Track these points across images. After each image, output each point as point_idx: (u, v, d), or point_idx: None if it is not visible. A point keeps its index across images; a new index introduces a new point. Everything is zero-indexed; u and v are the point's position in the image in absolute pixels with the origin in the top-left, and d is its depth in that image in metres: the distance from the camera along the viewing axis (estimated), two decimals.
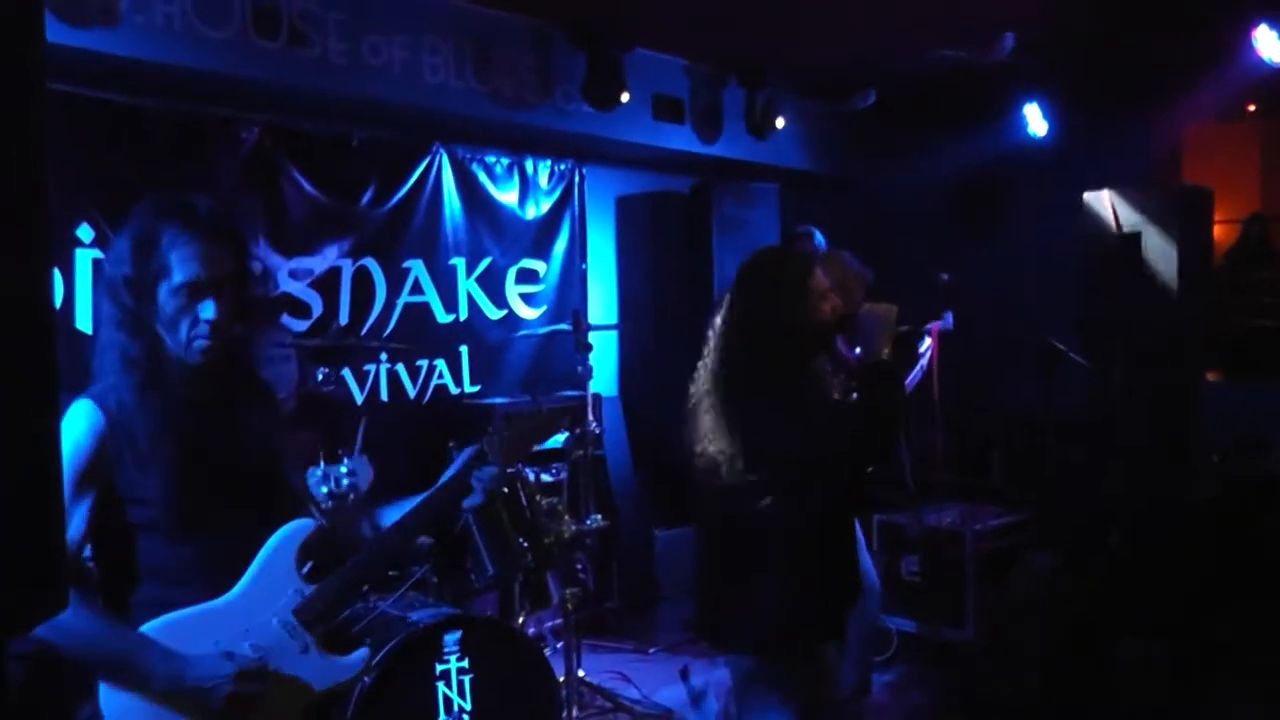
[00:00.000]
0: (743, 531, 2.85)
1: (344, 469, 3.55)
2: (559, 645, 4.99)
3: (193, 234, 2.08)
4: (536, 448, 2.63)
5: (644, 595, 6.10)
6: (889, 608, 5.27)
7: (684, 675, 4.98)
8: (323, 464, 3.54)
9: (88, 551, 2.11)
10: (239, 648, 2.11)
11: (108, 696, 2.03)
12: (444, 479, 2.38)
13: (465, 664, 3.65)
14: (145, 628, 2.06)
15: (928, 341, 4.67)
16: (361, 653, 2.30)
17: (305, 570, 2.23)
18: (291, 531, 2.22)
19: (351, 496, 3.22)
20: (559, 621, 4.94)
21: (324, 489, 3.49)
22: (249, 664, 2.08)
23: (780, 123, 6.57)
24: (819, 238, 4.91)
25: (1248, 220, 7.57)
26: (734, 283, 2.92)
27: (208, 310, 2.08)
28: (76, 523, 2.03)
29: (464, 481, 2.37)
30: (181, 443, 2.11)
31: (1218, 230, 6.37)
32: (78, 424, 2.06)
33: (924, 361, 4.61)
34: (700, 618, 2.99)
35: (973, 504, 5.71)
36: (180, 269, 2.07)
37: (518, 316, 6.07)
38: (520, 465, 4.62)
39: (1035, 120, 6.48)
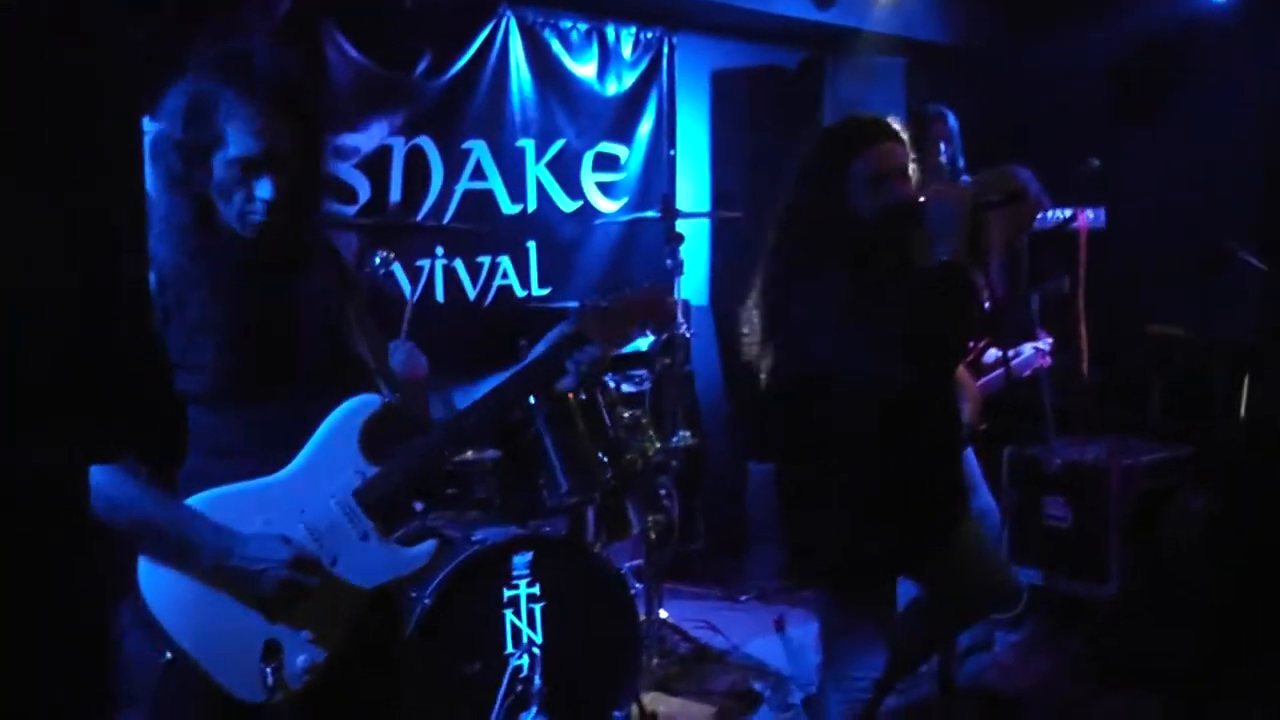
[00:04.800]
0: (801, 447, 3.15)
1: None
2: (638, 587, 5.21)
3: (252, 101, 2.22)
4: (638, 334, 2.81)
5: (734, 536, 6.38)
6: (1022, 558, 5.47)
7: (779, 627, 5.38)
8: None
9: None
10: (293, 529, 2.32)
11: (150, 577, 2.25)
12: (533, 355, 2.58)
13: (536, 590, 3.86)
14: (191, 501, 2.26)
15: (1031, 348, 4.72)
16: (428, 545, 2.50)
17: (369, 450, 2.42)
18: (355, 407, 2.42)
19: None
20: (638, 562, 5.23)
21: None
22: (305, 553, 2.29)
23: None
24: (952, 121, 5.00)
25: None
26: None
27: (264, 189, 2.26)
28: None
29: (557, 362, 2.55)
30: (234, 310, 2.31)
31: None
32: None
33: (1030, 361, 4.68)
34: (785, 554, 3.37)
35: (1123, 438, 5.81)
36: (236, 142, 2.23)
37: (594, 208, 6.27)
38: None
39: None
